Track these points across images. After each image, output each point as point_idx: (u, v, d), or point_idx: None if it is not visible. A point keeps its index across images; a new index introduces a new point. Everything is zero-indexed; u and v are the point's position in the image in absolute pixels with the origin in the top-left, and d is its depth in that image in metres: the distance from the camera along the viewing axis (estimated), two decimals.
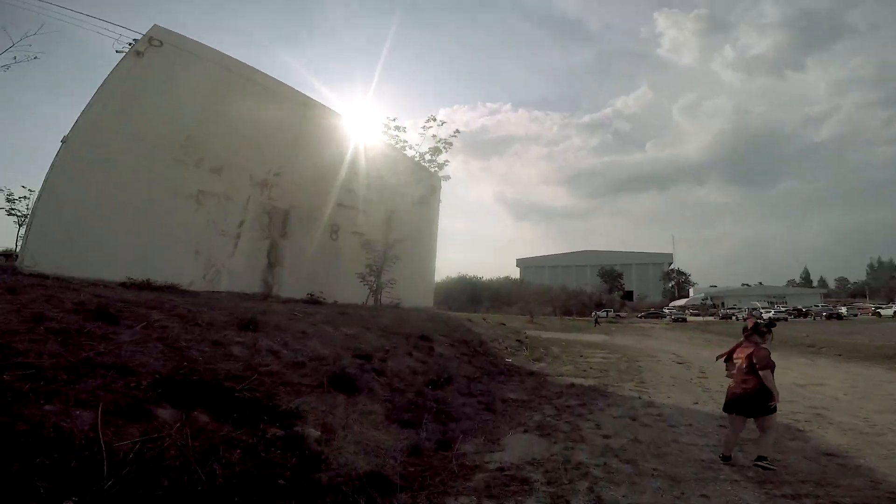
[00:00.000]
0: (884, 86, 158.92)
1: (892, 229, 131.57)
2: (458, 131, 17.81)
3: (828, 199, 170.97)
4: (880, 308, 52.52)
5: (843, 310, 53.65)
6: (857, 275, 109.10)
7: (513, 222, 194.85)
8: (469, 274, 77.48)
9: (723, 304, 76.21)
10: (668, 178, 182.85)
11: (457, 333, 15.62)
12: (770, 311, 52.18)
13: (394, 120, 17.73)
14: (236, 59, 15.50)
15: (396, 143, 17.17)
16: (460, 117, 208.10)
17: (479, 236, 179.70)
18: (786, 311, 53.04)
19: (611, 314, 59.70)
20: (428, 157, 18.46)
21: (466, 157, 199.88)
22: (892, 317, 46.28)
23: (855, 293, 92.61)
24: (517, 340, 19.16)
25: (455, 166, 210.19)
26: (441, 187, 25.08)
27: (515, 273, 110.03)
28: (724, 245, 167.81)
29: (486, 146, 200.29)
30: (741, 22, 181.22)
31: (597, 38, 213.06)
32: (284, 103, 16.58)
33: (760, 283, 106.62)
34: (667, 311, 68.15)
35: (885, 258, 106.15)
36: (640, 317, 61.84)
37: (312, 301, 14.67)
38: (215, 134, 14.47)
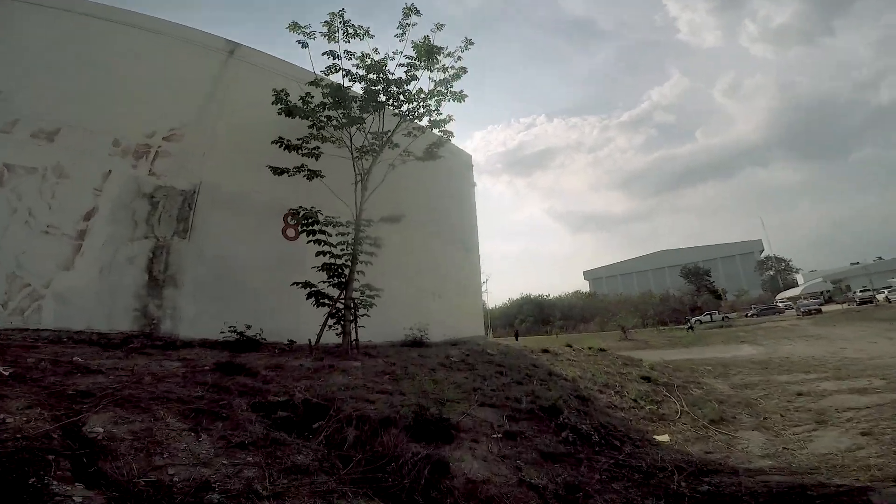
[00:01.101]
0: None
1: None
2: (470, 42, 9.64)
3: None
4: None
5: None
6: None
7: (570, 235, 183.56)
8: (533, 293, 68.14)
9: (848, 287, 61.19)
10: (727, 164, 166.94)
11: (528, 387, 7.39)
12: None
13: (341, 15, 9.29)
14: (108, 6, 9.13)
15: (359, 65, 9.43)
16: (496, 137, 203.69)
17: (537, 255, 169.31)
18: None
19: (716, 317, 47.84)
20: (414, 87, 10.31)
21: (511, 177, 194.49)
22: None
23: None
24: (641, 377, 10.39)
25: (500, 188, 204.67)
26: (470, 164, 17.14)
27: (584, 287, 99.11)
28: (806, 226, 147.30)
29: (527, 162, 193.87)
30: None
31: (613, 35, 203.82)
32: (190, 49, 9.82)
33: (880, 257, 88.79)
34: (781, 304, 54.78)
35: None
36: (751, 315, 49.33)
37: (239, 342, 7.20)
38: (51, 87, 8.01)
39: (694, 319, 47.46)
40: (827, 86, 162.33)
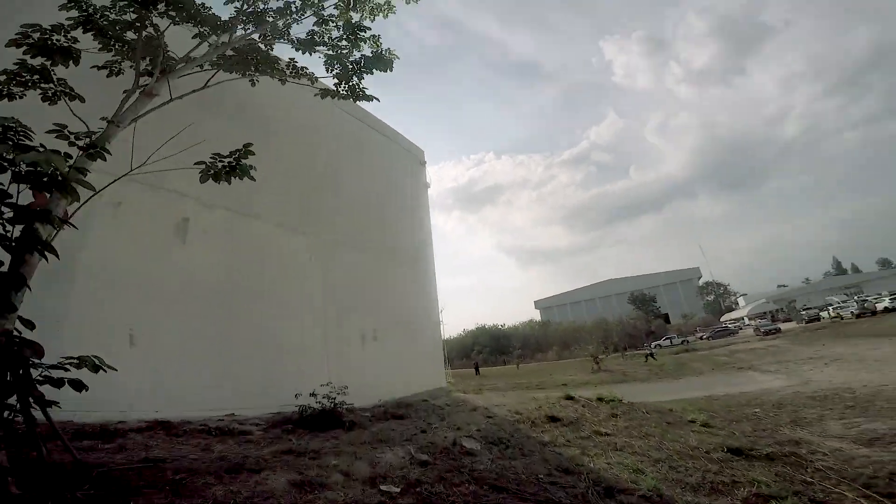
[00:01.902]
0: (822, 76, 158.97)
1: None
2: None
3: (817, 190, 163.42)
4: None
5: None
6: (889, 255, 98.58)
7: (520, 269, 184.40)
8: (488, 324, 64.08)
9: (789, 306, 62.02)
10: (659, 198, 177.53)
11: None
12: (884, 301, 38.30)
13: None
14: None
15: None
16: (447, 173, 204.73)
17: (489, 288, 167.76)
18: None
19: (675, 341, 45.61)
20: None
21: (462, 213, 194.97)
22: None
23: None
24: (726, 450, 6.08)
25: (452, 225, 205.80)
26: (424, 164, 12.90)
27: (536, 316, 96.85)
28: (732, 253, 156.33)
29: (477, 198, 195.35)
30: (677, 37, 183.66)
31: (556, 76, 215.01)
32: None
33: (808, 279, 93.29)
34: (730, 325, 54.02)
35: None
36: (706, 337, 47.73)
37: None
38: None
39: (654, 345, 45.03)
40: (742, 122, 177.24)
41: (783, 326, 42.50)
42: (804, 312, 46.87)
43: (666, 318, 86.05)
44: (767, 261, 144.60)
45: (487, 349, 52.78)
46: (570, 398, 10.01)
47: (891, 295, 39.91)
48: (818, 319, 43.87)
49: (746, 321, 59.85)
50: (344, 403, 6.35)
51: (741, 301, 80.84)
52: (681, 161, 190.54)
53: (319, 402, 6.06)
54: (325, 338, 7.68)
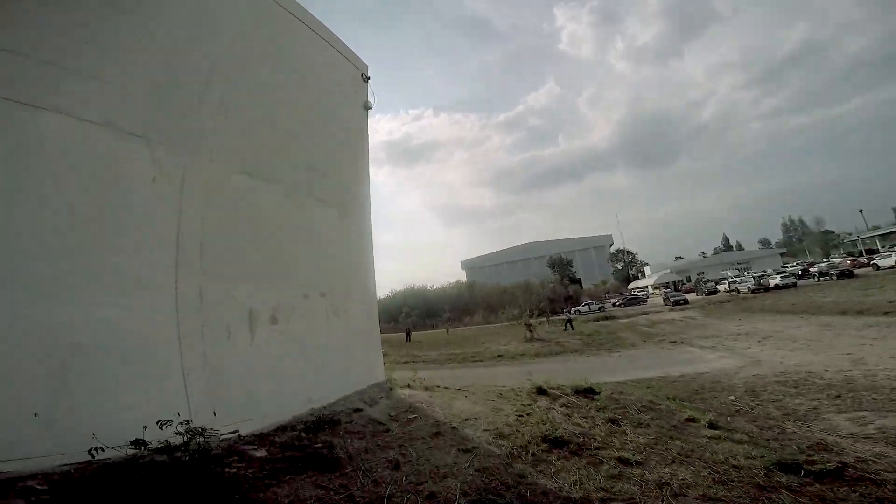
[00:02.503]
0: (749, 68, 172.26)
1: (781, 195, 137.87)
2: None
3: (719, 173, 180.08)
4: (877, 258, 43.96)
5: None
6: (767, 236, 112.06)
7: (445, 228, 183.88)
8: (416, 285, 62.31)
9: (688, 278, 67.22)
10: (581, 168, 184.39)
11: None
12: (775, 277, 41.92)
13: None
14: None
15: None
16: (382, 126, 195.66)
17: (414, 246, 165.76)
18: (792, 273, 43.05)
19: (593, 307, 47.01)
20: None
21: (393, 167, 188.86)
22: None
23: (790, 252, 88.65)
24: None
25: (382, 178, 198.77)
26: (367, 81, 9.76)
27: (462, 276, 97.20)
28: (641, 225, 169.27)
29: (411, 154, 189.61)
30: (629, 13, 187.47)
31: (504, 36, 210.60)
32: None
33: (703, 253, 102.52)
34: (640, 293, 57.12)
35: (795, 217, 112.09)
36: (617, 304, 49.87)
37: None
38: None
39: (574, 310, 46.08)
40: (666, 103, 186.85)
41: (694, 298, 45.17)
42: (707, 285, 50.06)
43: (580, 283, 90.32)
44: (669, 234, 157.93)
45: (416, 312, 51.12)
46: (542, 392, 8.13)
47: (780, 273, 43.83)
48: (716, 293, 47.37)
49: (650, 290, 64.03)
50: (214, 436, 3.78)
51: (647, 270, 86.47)
52: (605, 133, 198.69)
53: (159, 446, 3.45)
54: (180, 325, 4.71)
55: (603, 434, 5.66)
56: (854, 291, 26.52)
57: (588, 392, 8.14)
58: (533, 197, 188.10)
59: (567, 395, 7.89)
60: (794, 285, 39.03)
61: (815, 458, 4.88)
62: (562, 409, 7.06)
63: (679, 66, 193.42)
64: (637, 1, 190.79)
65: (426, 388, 8.57)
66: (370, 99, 9.19)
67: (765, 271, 52.45)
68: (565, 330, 28.55)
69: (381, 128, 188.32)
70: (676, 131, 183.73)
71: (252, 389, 5.24)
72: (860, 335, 14.17)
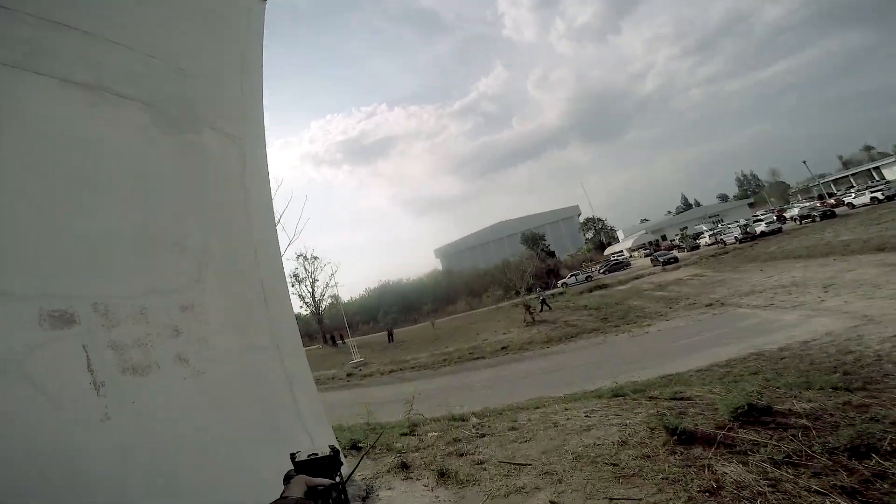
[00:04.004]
0: (682, 39, 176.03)
1: (728, 154, 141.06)
2: None
3: (668, 139, 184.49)
4: (849, 198, 42.56)
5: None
6: (724, 191, 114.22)
7: (415, 219, 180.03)
8: (391, 280, 57.88)
9: (663, 237, 65.60)
10: (536, 147, 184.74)
11: None
12: (761, 224, 39.91)
13: None
14: None
15: None
16: (336, 126, 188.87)
17: (385, 241, 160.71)
18: (775, 220, 40.95)
19: (580, 277, 43.88)
20: None
21: (352, 167, 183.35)
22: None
23: (756, 203, 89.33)
24: None
25: (343, 178, 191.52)
26: None
27: (437, 265, 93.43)
28: (603, 194, 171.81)
29: (369, 151, 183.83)
30: None
31: (451, 27, 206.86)
32: None
33: (669, 212, 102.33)
34: (620, 258, 54.65)
35: (746, 172, 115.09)
36: (603, 271, 47.10)
37: None
38: None
39: (560, 283, 43.11)
40: (609, 78, 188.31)
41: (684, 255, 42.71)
42: (699, 240, 48.23)
43: (553, 255, 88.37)
44: (629, 200, 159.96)
45: (395, 308, 46.67)
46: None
47: (766, 220, 41.72)
48: (698, 247, 45.36)
49: (627, 253, 61.84)
50: None
51: (620, 234, 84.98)
52: (556, 112, 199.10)
53: None
54: None
55: None
56: (859, 228, 24.03)
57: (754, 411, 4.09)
58: (495, 179, 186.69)
59: (662, 411, 3.83)
60: (780, 230, 37.23)
61: None
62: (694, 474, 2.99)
63: (618, 41, 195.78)
64: None
65: (441, 475, 4.32)
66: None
67: (738, 221, 50.93)
68: (541, 311, 24.59)
69: (334, 128, 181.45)
70: (623, 104, 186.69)
71: None
72: None
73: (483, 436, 5.76)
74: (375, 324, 42.60)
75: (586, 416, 5.92)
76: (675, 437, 4.54)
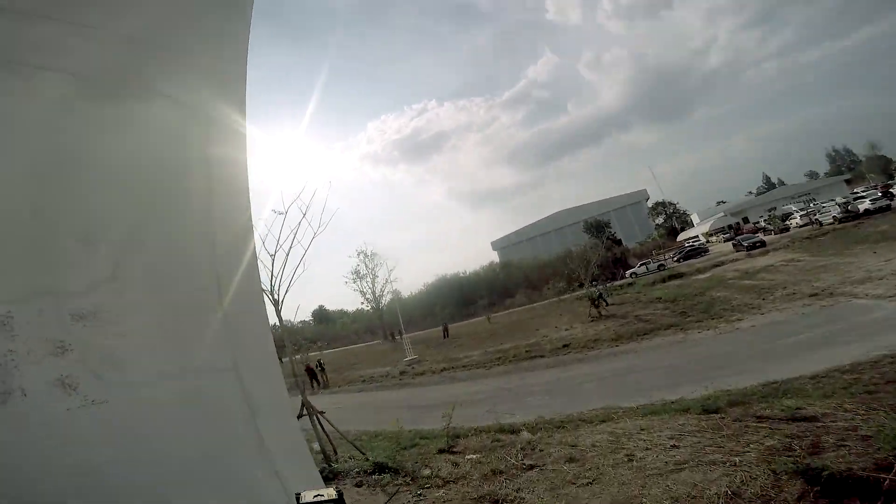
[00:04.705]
0: (742, 10, 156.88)
1: (810, 129, 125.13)
2: None
3: (741, 116, 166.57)
4: None
5: None
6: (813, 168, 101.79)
7: (471, 213, 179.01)
8: (449, 273, 57.43)
9: (745, 220, 59.29)
10: (596, 131, 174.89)
11: None
12: (864, 202, 34.38)
13: None
14: None
15: None
16: (390, 126, 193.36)
17: (442, 237, 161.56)
18: (881, 197, 34.98)
19: (651, 266, 40.51)
20: None
21: (408, 165, 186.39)
22: None
23: (851, 179, 78.62)
24: None
25: (399, 176, 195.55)
26: None
27: (494, 258, 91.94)
28: (671, 177, 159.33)
29: (423, 147, 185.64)
30: None
31: (491, 17, 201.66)
32: None
33: (750, 192, 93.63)
34: (696, 244, 49.93)
35: (837, 147, 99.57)
36: (676, 259, 43.16)
37: None
38: None
39: (639, 265, 40.35)
40: (668, 56, 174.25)
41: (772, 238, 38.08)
42: (788, 221, 43.26)
43: (619, 243, 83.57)
44: (701, 182, 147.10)
45: (452, 302, 46.00)
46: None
47: (870, 197, 35.92)
48: (787, 229, 40.20)
49: (702, 238, 56.57)
50: None
51: (694, 218, 78.55)
52: (614, 94, 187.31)
53: None
54: None
55: None
56: None
57: None
58: (553, 168, 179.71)
59: None
60: (889, 207, 31.83)
61: None
62: None
63: (672, 16, 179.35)
64: None
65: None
66: None
67: (834, 199, 44.64)
68: (597, 307, 20.85)
69: (388, 128, 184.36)
70: (686, 82, 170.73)
71: None
72: None
73: (532, 467, 4.53)
74: (432, 318, 42.18)
75: (673, 445, 4.49)
76: (818, 487, 3.11)
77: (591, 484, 3.88)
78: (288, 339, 10.29)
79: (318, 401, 16.58)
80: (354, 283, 45.86)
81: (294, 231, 6.67)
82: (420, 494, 4.22)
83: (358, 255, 45.08)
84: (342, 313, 63.76)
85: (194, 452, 2.40)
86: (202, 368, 2.55)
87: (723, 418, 5.24)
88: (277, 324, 6.92)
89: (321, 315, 64.96)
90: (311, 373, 21.79)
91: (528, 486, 4.07)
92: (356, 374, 22.73)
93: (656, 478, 3.78)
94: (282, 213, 6.41)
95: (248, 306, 2.80)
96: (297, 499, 1.24)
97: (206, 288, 2.60)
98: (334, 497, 1.18)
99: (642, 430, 5.39)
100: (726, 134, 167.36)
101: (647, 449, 4.52)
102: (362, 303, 47.36)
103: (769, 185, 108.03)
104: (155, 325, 2.44)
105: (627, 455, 4.44)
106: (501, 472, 4.50)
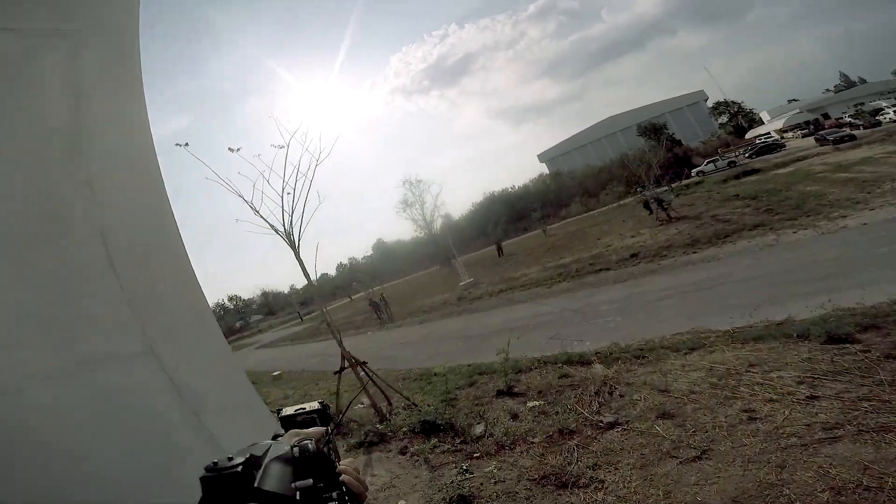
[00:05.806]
0: None
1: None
2: None
3: (805, 14, 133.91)
4: None
5: None
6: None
7: (513, 129, 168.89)
8: (496, 190, 55.40)
9: (825, 116, 50.91)
10: (639, 36, 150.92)
11: None
12: None
13: None
14: None
15: None
16: (414, 56, 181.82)
17: (486, 155, 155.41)
18: None
19: (720, 163, 36.14)
20: None
21: (440, 90, 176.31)
22: None
23: None
24: None
25: (434, 103, 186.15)
26: None
27: (543, 171, 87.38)
28: (729, 78, 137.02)
29: (451, 71, 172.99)
30: None
31: None
32: None
33: (829, 89, 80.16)
34: (767, 140, 43.82)
35: None
36: (750, 156, 38.06)
37: None
38: None
39: (706, 163, 36.35)
40: None
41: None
42: (882, 116, 37.27)
43: (679, 144, 76.38)
44: (765, 82, 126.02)
45: (504, 219, 44.66)
46: None
47: None
48: (879, 124, 34.07)
49: (775, 134, 49.58)
50: None
51: (765, 116, 69.39)
52: None
53: None
54: None
55: None
56: None
57: None
58: (595, 76, 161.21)
59: None
60: None
61: None
62: None
63: None
64: None
65: None
66: None
67: None
68: (651, 214, 19.01)
69: (413, 58, 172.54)
70: None
71: None
72: None
73: (612, 426, 3.50)
74: (485, 237, 41.36)
75: (810, 396, 3.24)
76: None
77: (699, 459, 2.80)
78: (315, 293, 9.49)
79: (385, 337, 16.65)
80: (405, 212, 45.53)
81: (301, 164, 5.59)
82: (466, 470, 3.43)
83: (403, 184, 44.26)
84: (398, 243, 64.68)
85: (114, 451, 1.54)
86: (95, 358, 1.61)
87: (866, 352, 3.84)
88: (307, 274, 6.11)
89: (380, 248, 66.32)
90: (375, 307, 22.17)
91: (607, 458, 3.08)
92: (417, 304, 22.67)
93: (799, 452, 2.62)
94: (283, 147, 5.32)
95: (165, 268, 1.78)
96: (278, 414, 1.05)
97: (84, 251, 1.58)
98: (316, 408, 0.99)
99: (752, 366, 4.15)
100: (788, 34, 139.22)
101: (771, 400, 3.31)
102: (416, 231, 47.29)
103: (848, 83, 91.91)
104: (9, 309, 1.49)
105: (745, 410, 3.27)
106: (571, 433, 3.55)
